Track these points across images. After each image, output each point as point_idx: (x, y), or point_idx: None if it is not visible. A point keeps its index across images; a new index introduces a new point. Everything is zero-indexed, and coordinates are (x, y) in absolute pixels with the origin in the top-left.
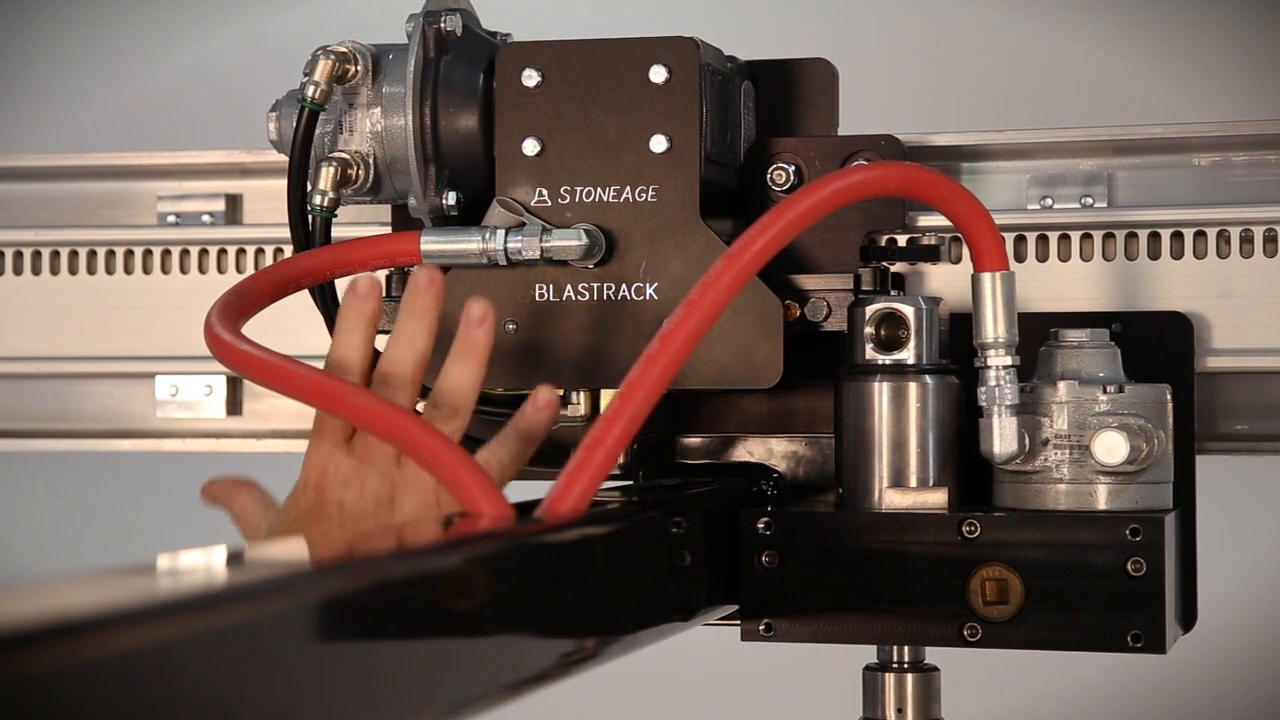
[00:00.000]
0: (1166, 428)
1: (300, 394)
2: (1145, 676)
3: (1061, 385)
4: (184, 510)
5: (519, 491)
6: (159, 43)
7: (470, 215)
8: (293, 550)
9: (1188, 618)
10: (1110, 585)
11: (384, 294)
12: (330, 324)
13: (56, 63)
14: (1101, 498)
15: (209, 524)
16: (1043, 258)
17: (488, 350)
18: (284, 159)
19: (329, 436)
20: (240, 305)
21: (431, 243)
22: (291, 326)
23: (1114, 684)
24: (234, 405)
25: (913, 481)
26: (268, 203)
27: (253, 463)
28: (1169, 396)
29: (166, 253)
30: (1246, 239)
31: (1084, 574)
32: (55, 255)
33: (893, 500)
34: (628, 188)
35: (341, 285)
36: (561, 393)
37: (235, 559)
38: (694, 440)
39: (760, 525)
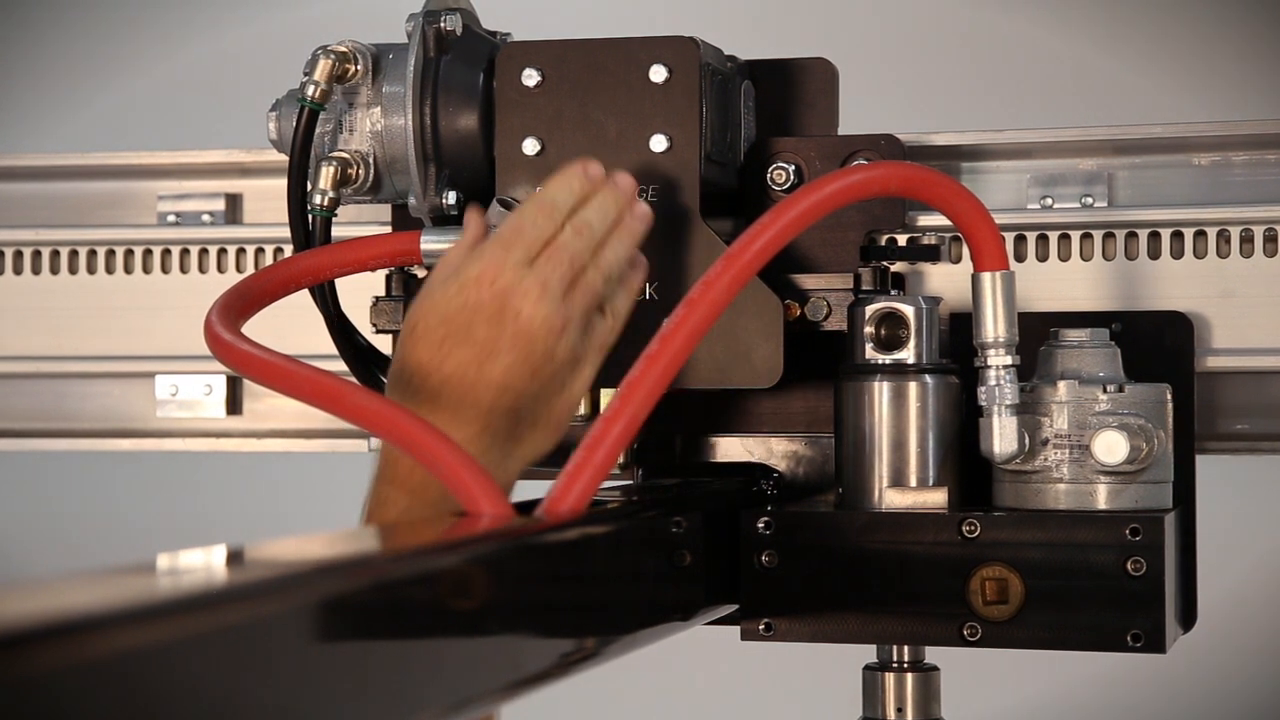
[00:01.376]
0: (1166, 427)
1: (300, 393)
2: (1145, 676)
3: (1061, 385)
4: (184, 509)
5: (519, 491)
6: (159, 42)
7: None
8: (292, 550)
9: (1188, 617)
10: (1110, 585)
11: (385, 293)
12: (330, 323)
13: (57, 62)
14: (1101, 497)
15: (209, 523)
16: (1043, 257)
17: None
18: (284, 158)
19: (515, 250)
20: (240, 305)
21: (432, 242)
22: (292, 326)
23: (1114, 683)
24: (234, 405)
25: (913, 481)
26: (268, 202)
27: (253, 462)
28: (1169, 396)
29: (166, 252)
30: (1247, 238)
31: (1084, 574)
32: (55, 255)
33: (893, 500)
34: None
35: (342, 285)
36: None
37: (235, 559)
38: (694, 440)
39: (760, 525)
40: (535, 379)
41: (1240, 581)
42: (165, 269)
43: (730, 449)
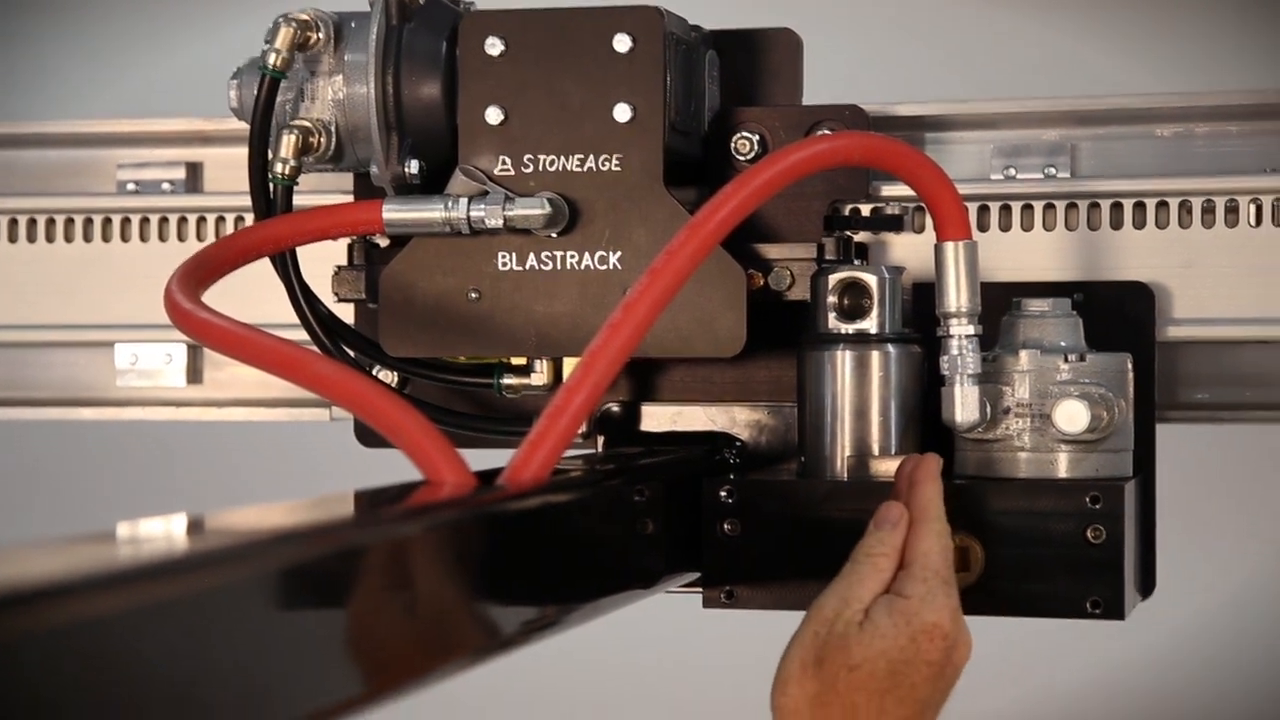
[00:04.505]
0: (1127, 396)
1: (261, 362)
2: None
3: (1023, 354)
4: (144, 478)
5: (481, 460)
6: (125, 12)
7: (433, 184)
8: (253, 518)
9: (1146, 585)
10: (1070, 552)
11: (346, 262)
12: (292, 292)
13: (21, 33)
14: (1062, 466)
15: (169, 493)
16: (1005, 227)
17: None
18: (245, 127)
19: (954, 593)
20: (201, 273)
21: (393, 211)
22: (253, 295)
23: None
24: (194, 374)
25: (875, 450)
26: (229, 171)
27: (213, 431)
28: (1130, 366)
29: (126, 221)
30: (1208, 209)
31: (1044, 541)
32: (13, 223)
33: (855, 469)
34: (591, 156)
35: (303, 253)
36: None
37: (195, 527)
38: (656, 408)
39: (722, 493)
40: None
41: (1199, 549)
42: (125, 238)
43: (693, 418)
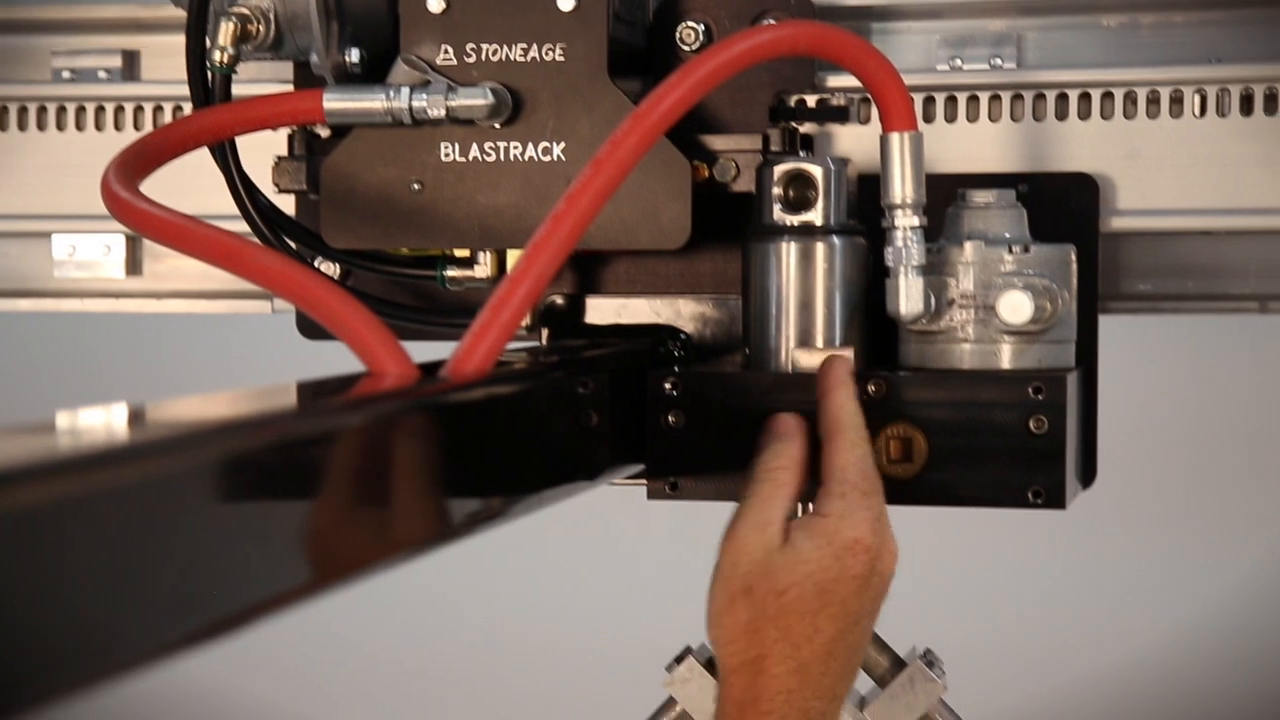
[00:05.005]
0: (1070, 288)
1: (201, 253)
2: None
3: (968, 246)
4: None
5: (424, 353)
6: None
7: (374, 73)
8: (195, 409)
9: (1087, 474)
10: (1013, 443)
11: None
12: (231, 183)
13: None
14: (1005, 357)
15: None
16: (951, 118)
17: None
18: (182, 14)
19: (875, 503)
20: (138, 163)
21: (334, 101)
22: (192, 186)
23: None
24: (134, 265)
25: (819, 342)
26: (166, 59)
27: (153, 323)
28: (1073, 257)
29: (62, 110)
30: (1153, 100)
31: (987, 432)
32: None
33: (799, 360)
34: (535, 46)
35: (243, 144)
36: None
37: (136, 418)
38: (600, 301)
39: (667, 385)
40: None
41: (1140, 439)
42: (61, 127)
43: (637, 310)
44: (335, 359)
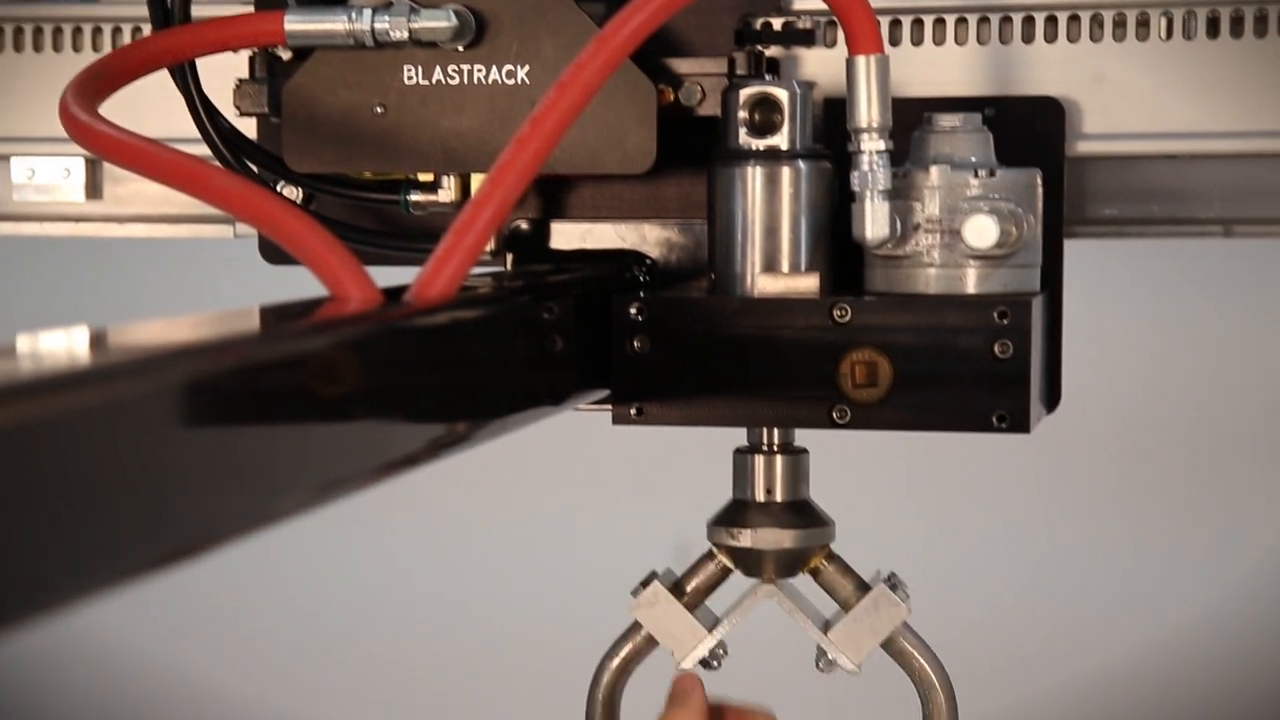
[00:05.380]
0: (1036, 212)
1: (161, 175)
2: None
3: (933, 170)
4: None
5: (388, 278)
6: None
7: None
8: (156, 332)
9: (1052, 399)
10: (977, 367)
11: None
12: (192, 105)
13: None
14: (971, 281)
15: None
16: (917, 41)
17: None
18: None
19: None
20: (97, 85)
21: (295, 23)
22: (152, 108)
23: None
24: (94, 189)
25: (785, 267)
26: None
27: (113, 248)
28: (1039, 181)
29: (19, 31)
30: (1119, 23)
31: (952, 356)
32: None
33: (764, 286)
34: None
35: (203, 66)
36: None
37: (97, 341)
38: (565, 226)
39: (632, 310)
40: None
41: (1105, 364)
42: (18, 47)
43: (603, 236)
44: (298, 284)
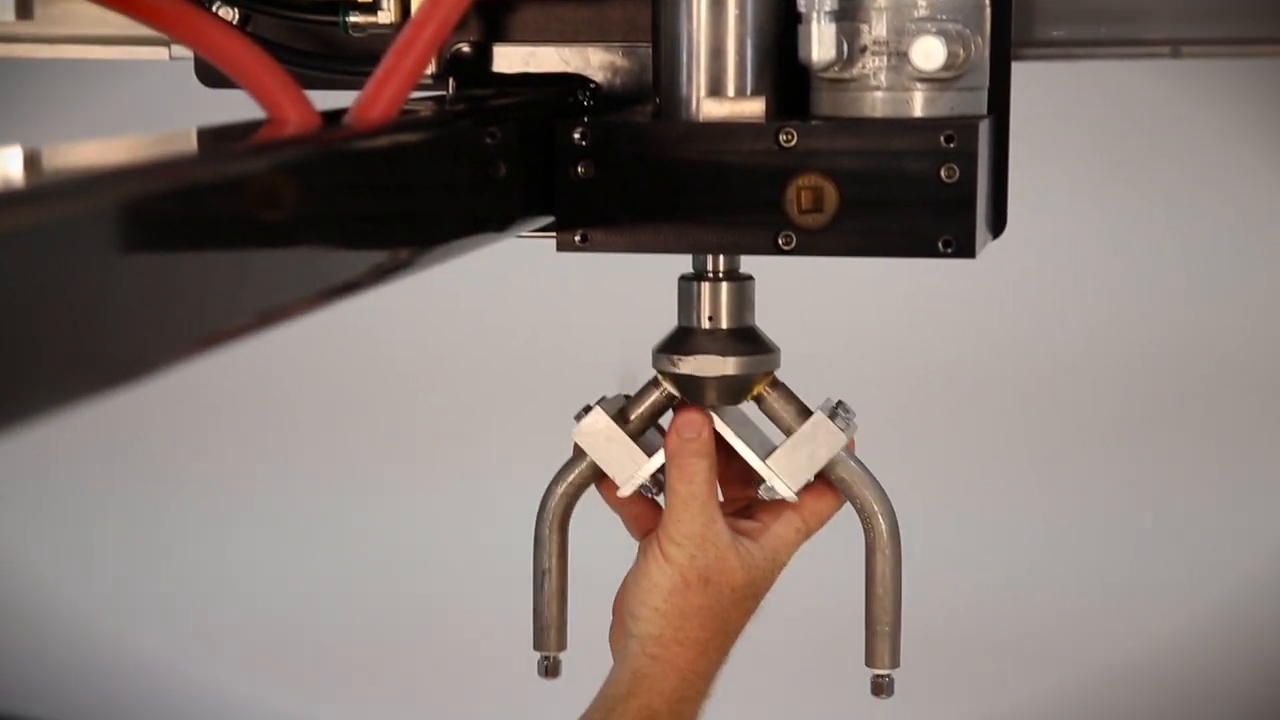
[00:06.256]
0: (984, 33)
1: None
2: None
3: None
4: None
5: (326, 101)
6: None
7: None
8: (92, 153)
9: (998, 224)
10: (924, 191)
11: None
12: None
13: None
14: (918, 105)
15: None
16: None
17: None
18: None
19: (717, 518)
20: None
21: None
22: None
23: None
24: (24, 8)
25: (730, 90)
26: None
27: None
28: (987, 2)
29: None
30: None
31: (898, 181)
32: None
33: (710, 110)
34: None
35: None
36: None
37: (31, 162)
38: (508, 50)
39: (576, 136)
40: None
41: (1052, 186)
42: None
43: (546, 59)
44: (235, 108)
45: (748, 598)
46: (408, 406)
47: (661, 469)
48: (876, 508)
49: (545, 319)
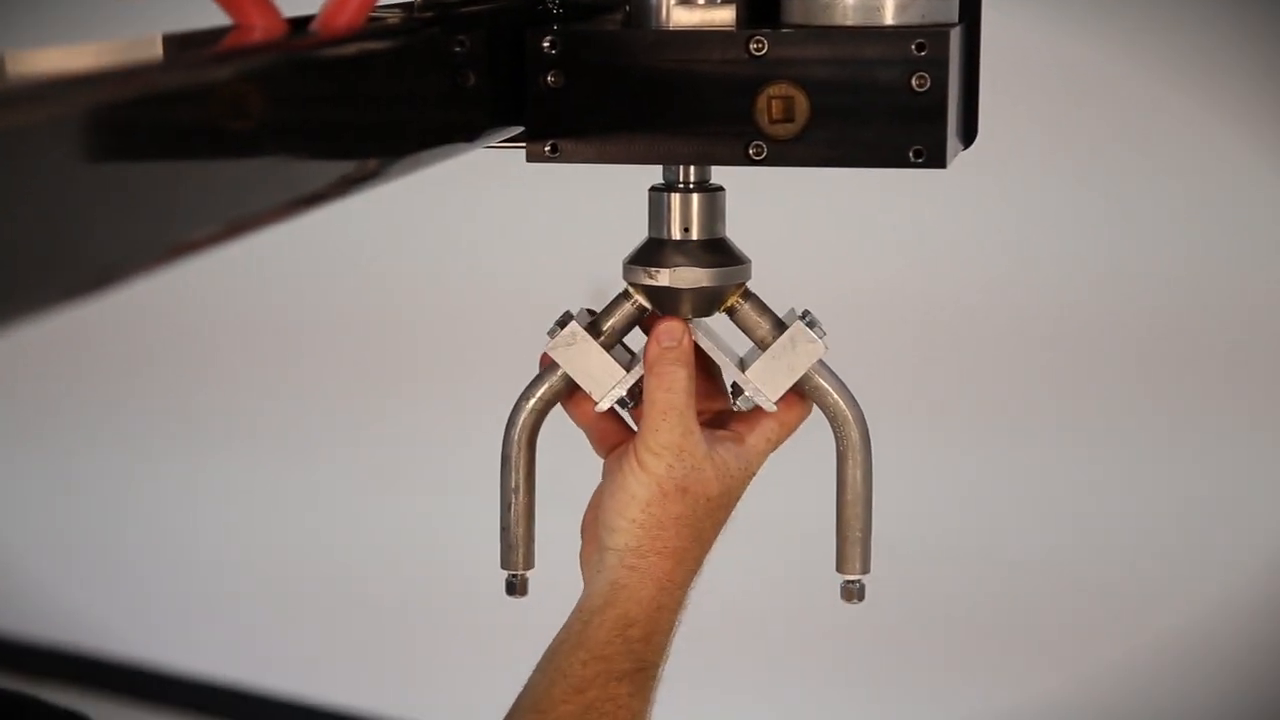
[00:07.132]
0: None
1: None
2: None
3: None
4: None
5: (291, 7)
6: None
7: None
8: (55, 59)
9: (969, 134)
10: (895, 101)
11: None
12: None
13: None
14: (889, 12)
15: None
16: None
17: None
18: None
19: (693, 426)
20: None
21: None
22: None
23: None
24: None
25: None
26: None
27: None
28: None
29: None
30: None
31: (869, 90)
32: None
33: (680, 18)
34: None
35: None
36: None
37: None
38: None
39: (546, 44)
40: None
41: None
42: None
43: None
44: (202, 13)
45: (720, 507)
46: (377, 332)
47: (639, 381)
48: (849, 414)
49: (508, 235)
